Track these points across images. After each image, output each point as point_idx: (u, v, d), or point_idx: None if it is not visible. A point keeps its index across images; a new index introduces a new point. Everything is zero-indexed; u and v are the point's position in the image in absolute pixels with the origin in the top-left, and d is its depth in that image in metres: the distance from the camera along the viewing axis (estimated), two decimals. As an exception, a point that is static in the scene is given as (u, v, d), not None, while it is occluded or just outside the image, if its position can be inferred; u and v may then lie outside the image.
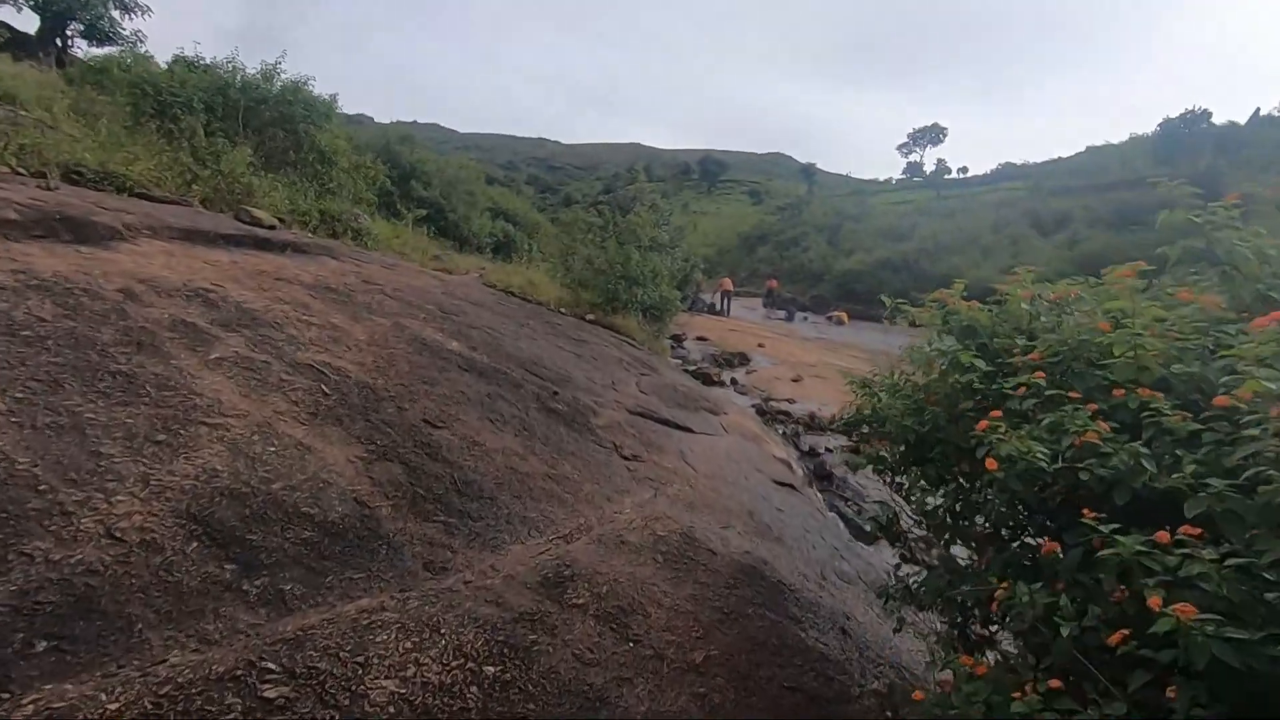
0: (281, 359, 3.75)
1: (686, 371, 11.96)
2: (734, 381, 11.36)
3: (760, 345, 15.51)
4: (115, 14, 25.03)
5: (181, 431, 2.80)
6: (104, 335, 3.23)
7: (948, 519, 2.91)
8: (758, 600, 3.39)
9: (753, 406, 9.52)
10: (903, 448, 3.03)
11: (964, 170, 66.27)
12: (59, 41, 21.63)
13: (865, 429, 3.50)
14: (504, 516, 3.35)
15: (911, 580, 2.95)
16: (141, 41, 21.81)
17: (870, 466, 3.34)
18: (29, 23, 22.47)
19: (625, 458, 4.82)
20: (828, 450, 7.89)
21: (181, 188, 8.25)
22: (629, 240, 11.63)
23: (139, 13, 26.15)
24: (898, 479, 3.32)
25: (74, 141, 8.24)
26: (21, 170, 6.26)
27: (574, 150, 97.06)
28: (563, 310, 10.42)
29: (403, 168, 21.82)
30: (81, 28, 23.76)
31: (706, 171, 74.12)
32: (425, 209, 21.80)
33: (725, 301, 25.34)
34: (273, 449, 2.94)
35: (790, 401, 10.23)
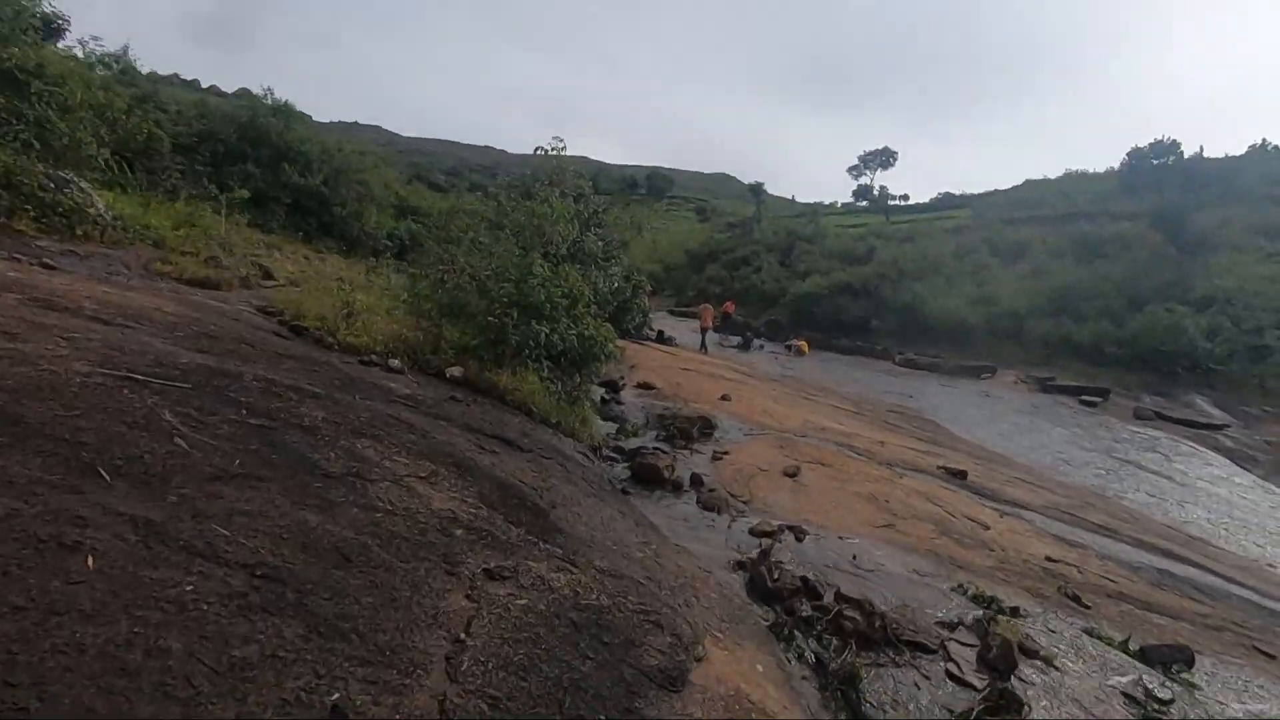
0: None
1: (618, 454, 7.16)
2: (696, 483, 6.59)
3: (724, 398, 10.84)
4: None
5: None
6: None
7: None
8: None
9: (738, 566, 4.74)
10: None
11: (905, 197, 64.25)
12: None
13: None
14: None
15: None
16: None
17: None
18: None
19: None
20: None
21: None
22: (532, 242, 6.76)
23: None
24: None
25: None
26: None
27: (521, 160, 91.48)
28: (392, 364, 5.45)
29: (273, 147, 16.38)
30: None
31: (654, 187, 69.99)
32: (301, 199, 16.50)
33: (703, 336, 20.75)
34: None
35: (798, 535, 5.54)
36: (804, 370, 19.68)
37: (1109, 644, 4.59)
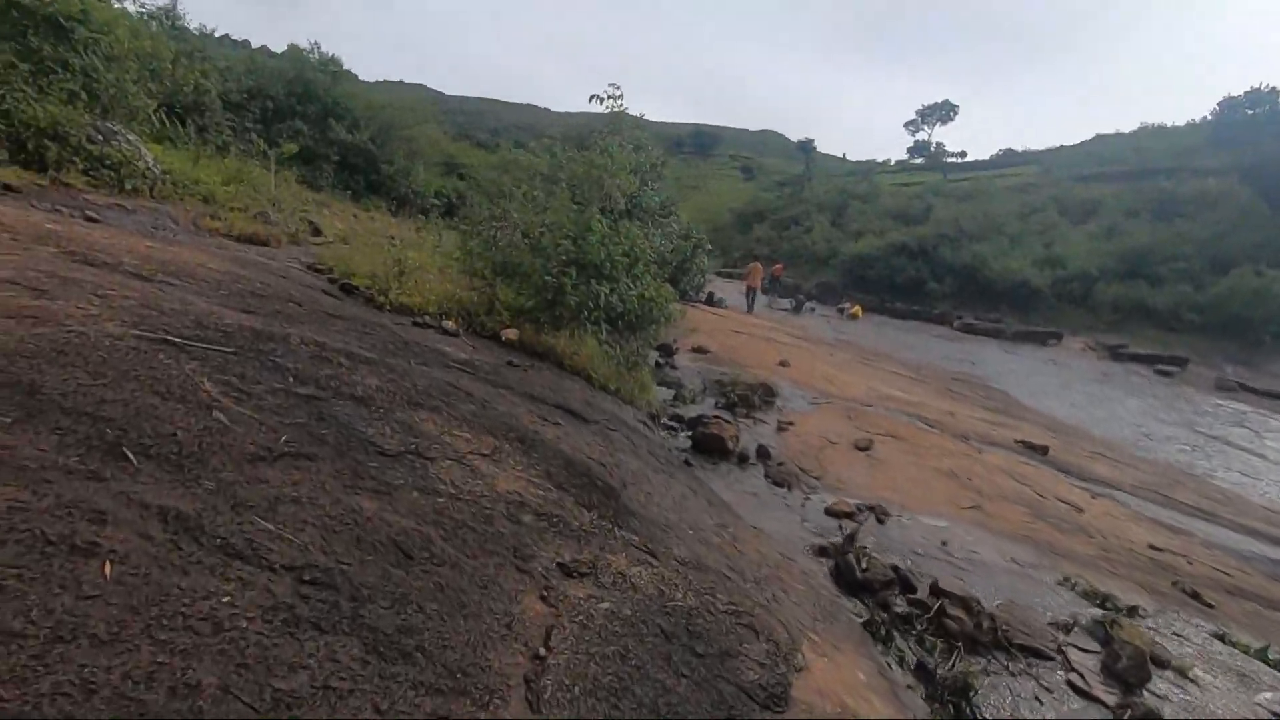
0: None
1: (677, 422, 6.76)
2: (763, 455, 6.17)
3: (783, 363, 10.30)
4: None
5: None
6: None
7: None
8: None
9: (820, 552, 4.32)
10: None
11: (963, 154, 61.15)
12: None
13: None
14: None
15: None
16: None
17: None
18: None
19: None
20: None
21: None
22: (590, 196, 6.28)
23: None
24: None
25: None
26: None
27: (563, 118, 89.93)
28: (447, 326, 5.10)
29: (321, 103, 16.12)
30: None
31: (699, 145, 68.16)
32: (349, 156, 16.26)
33: (750, 297, 19.88)
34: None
35: (879, 516, 5.08)
36: (858, 334, 18.87)
37: (1245, 652, 4.04)
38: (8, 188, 4.78)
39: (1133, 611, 4.19)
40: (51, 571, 1.44)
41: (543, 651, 2.00)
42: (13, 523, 1.50)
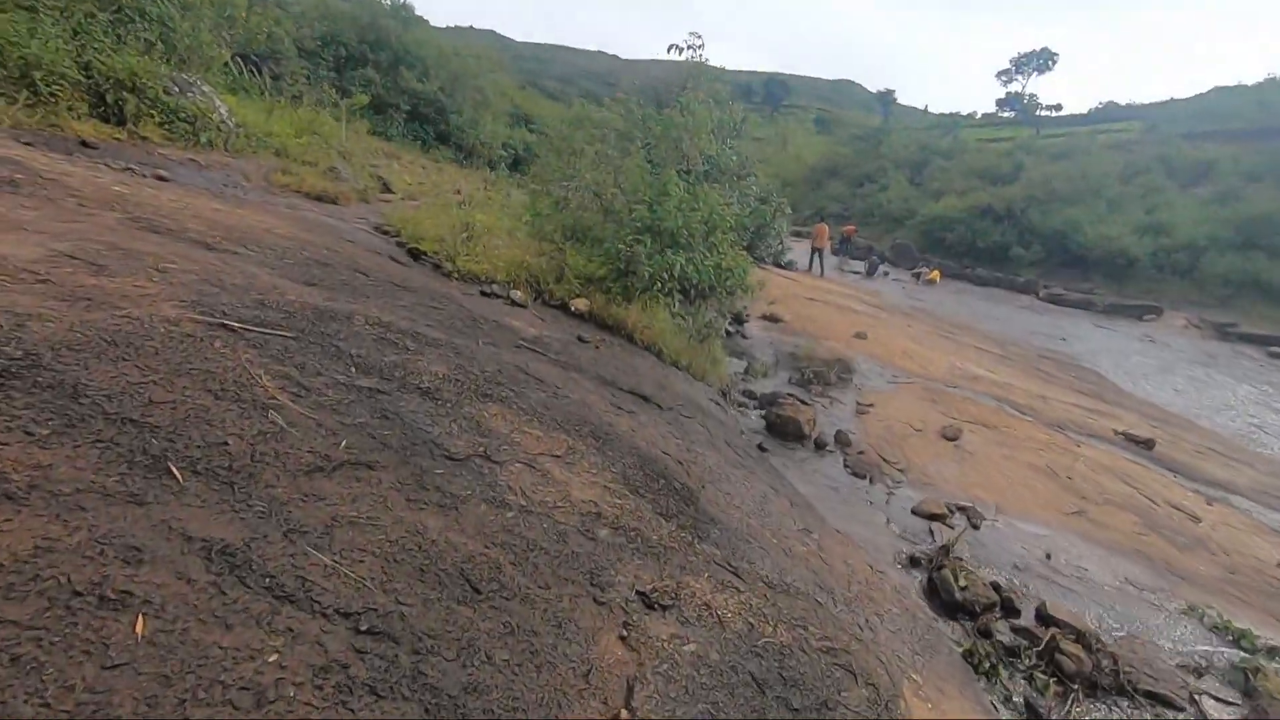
0: None
1: (749, 399, 6.40)
2: (841, 441, 5.75)
3: (859, 335, 9.71)
4: None
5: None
6: None
7: None
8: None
9: (911, 563, 3.94)
10: None
11: (1057, 107, 56.51)
12: None
13: None
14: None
15: None
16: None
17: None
18: None
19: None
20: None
21: None
22: (667, 157, 5.83)
23: None
24: None
25: None
26: None
27: (632, 66, 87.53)
28: (515, 296, 4.83)
29: (392, 51, 15.90)
30: None
31: (771, 94, 65.25)
32: (419, 106, 16.07)
33: (818, 259, 18.97)
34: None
35: (973, 520, 4.63)
36: (936, 302, 17.81)
37: None
38: (85, 144, 4.74)
39: (1273, 653, 3.67)
40: (75, 633, 1.23)
41: (624, 714, 1.74)
42: (38, 568, 1.30)
